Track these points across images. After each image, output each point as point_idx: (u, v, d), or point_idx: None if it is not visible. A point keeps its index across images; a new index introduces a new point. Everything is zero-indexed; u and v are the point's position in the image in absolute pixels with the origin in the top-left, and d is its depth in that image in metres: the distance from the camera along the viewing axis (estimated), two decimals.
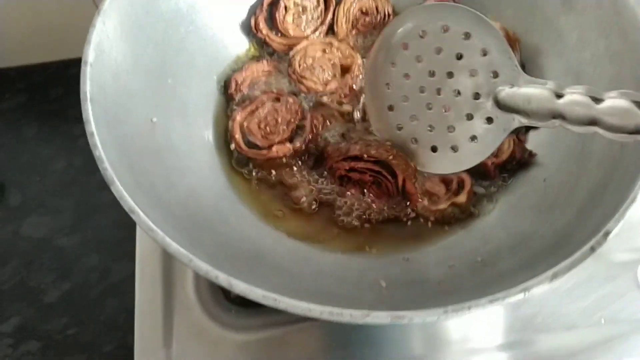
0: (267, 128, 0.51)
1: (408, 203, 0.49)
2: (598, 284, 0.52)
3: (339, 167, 0.48)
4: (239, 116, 0.51)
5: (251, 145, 0.51)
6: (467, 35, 0.41)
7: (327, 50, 0.56)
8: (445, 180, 0.50)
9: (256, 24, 0.56)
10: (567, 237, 0.39)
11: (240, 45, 0.58)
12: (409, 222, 0.49)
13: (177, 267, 0.53)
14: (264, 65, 0.56)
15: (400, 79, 0.45)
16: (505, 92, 0.40)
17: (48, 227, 0.77)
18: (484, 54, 0.41)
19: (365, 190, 0.49)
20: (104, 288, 0.73)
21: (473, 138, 0.43)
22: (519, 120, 0.40)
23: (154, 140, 0.45)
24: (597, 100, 0.35)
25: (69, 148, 0.82)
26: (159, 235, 0.35)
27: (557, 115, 0.37)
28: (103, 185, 0.84)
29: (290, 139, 0.51)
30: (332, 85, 0.55)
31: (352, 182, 0.49)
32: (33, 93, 0.88)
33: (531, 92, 0.38)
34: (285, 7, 0.56)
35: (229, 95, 0.55)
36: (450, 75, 0.43)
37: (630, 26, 0.45)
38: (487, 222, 0.48)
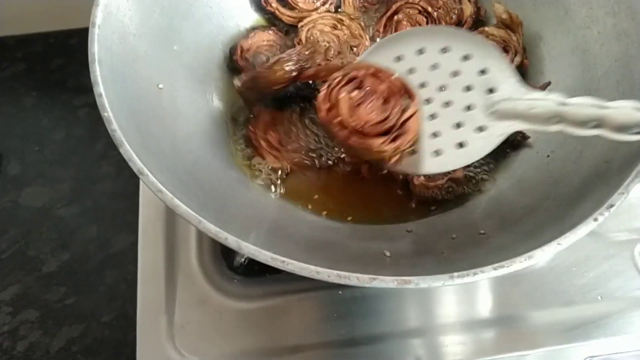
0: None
1: None
2: (596, 263, 0.53)
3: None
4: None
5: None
6: (467, 57, 0.43)
7: (337, 26, 0.55)
8: None
9: None
10: (571, 210, 0.39)
11: (247, 16, 0.58)
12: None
13: (180, 236, 0.53)
14: (269, 35, 0.56)
15: None
16: (503, 104, 0.41)
17: (47, 197, 0.76)
18: (482, 73, 0.43)
19: None
20: (103, 258, 0.73)
21: (460, 145, 0.44)
22: (517, 126, 0.41)
23: (160, 105, 0.45)
24: (602, 106, 0.37)
25: (69, 118, 0.81)
26: (168, 197, 0.35)
27: (560, 120, 0.38)
28: (102, 156, 0.84)
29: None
30: (335, 62, 0.55)
31: None
32: (32, 62, 0.87)
33: (533, 100, 0.40)
34: None
35: (233, 61, 0.54)
36: (442, 88, 0.44)
37: (639, 5, 0.45)
38: (490, 197, 0.48)
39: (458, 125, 0.43)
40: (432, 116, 0.44)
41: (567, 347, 0.50)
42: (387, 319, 0.51)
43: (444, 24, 0.55)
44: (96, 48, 0.41)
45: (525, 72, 0.55)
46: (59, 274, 0.72)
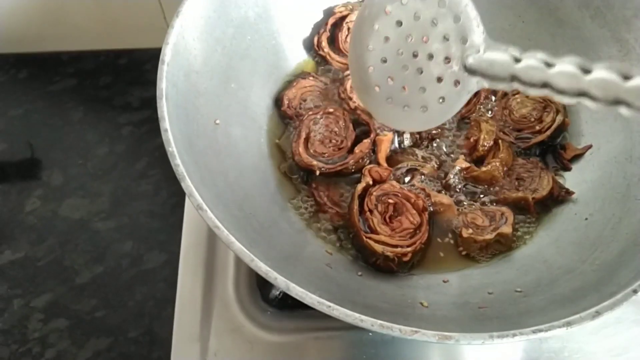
0: (332, 140, 0.53)
1: None
2: (627, 326, 0.53)
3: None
4: (301, 149, 0.54)
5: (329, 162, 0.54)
6: (442, 4, 0.43)
7: None
8: (487, 213, 0.52)
9: (319, 42, 0.59)
10: (608, 277, 0.40)
11: (300, 58, 0.60)
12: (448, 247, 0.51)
13: (219, 264, 0.55)
14: (310, 81, 0.59)
15: (381, 41, 0.46)
16: (472, 57, 0.42)
17: (86, 210, 0.79)
18: (456, 21, 0.43)
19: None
20: (134, 275, 0.75)
21: (441, 99, 0.44)
22: (481, 83, 0.42)
23: (216, 140, 0.47)
24: (549, 65, 0.37)
25: (113, 135, 0.84)
26: (224, 234, 0.37)
27: (515, 78, 0.39)
28: (142, 175, 0.86)
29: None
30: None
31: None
32: (82, 78, 0.90)
33: (493, 56, 0.40)
34: (348, 29, 0.59)
35: (282, 111, 0.57)
36: (425, 39, 0.44)
37: None
38: (526, 254, 0.49)
39: (439, 79, 0.44)
40: (419, 70, 0.45)
41: None
42: None
43: None
44: (164, 84, 0.43)
45: (565, 131, 0.56)
46: (91, 286, 0.74)
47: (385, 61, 0.47)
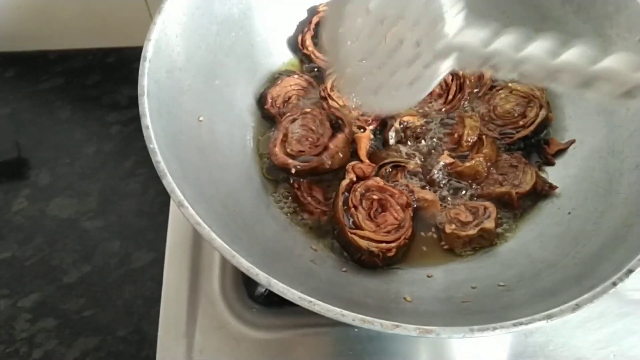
0: (309, 139, 0.53)
1: None
2: (611, 320, 0.53)
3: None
4: (277, 149, 0.53)
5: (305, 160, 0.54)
6: None
7: None
8: (471, 208, 0.52)
9: (303, 40, 0.59)
10: (589, 270, 0.40)
11: (285, 56, 0.60)
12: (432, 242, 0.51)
13: (204, 261, 0.54)
14: (295, 79, 0.58)
15: (353, 24, 0.46)
16: (442, 41, 0.41)
17: (74, 209, 0.78)
18: (427, 5, 0.42)
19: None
20: (122, 273, 0.74)
21: (411, 82, 0.44)
22: (451, 67, 0.42)
23: (199, 137, 0.47)
24: (519, 49, 0.37)
25: (101, 134, 0.84)
26: (205, 230, 0.37)
27: (485, 62, 0.39)
28: (130, 173, 0.86)
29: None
30: (354, 113, 0.57)
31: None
32: (70, 77, 0.90)
33: (463, 40, 0.40)
34: None
35: (265, 109, 0.57)
36: (397, 23, 0.44)
37: None
38: (510, 248, 0.49)
39: (409, 63, 0.44)
40: (390, 54, 0.44)
41: None
42: (396, 359, 0.52)
43: (468, 82, 0.58)
44: (146, 81, 0.43)
45: (549, 126, 0.56)
46: (80, 286, 0.73)
47: (356, 42, 0.46)
